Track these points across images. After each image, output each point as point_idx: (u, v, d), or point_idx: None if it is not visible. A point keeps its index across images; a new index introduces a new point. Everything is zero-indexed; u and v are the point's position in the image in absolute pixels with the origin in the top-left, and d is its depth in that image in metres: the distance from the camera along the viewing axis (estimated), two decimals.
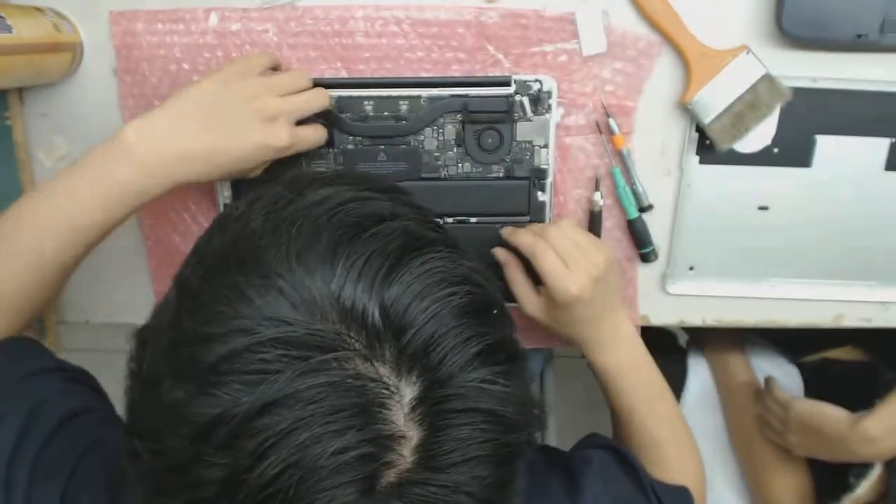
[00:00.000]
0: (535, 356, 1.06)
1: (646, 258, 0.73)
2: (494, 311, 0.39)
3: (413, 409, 0.34)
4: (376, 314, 0.35)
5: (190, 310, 0.36)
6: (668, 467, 0.68)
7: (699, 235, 0.74)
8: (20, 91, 0.70)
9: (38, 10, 0.64)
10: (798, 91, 0.67)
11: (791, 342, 0.99)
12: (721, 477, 0.97)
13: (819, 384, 0.94)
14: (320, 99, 0.63)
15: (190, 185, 0.59)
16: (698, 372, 1.00)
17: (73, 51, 0.67)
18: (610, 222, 0.73)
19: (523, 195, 0.70)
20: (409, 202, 0.44)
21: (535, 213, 0.71)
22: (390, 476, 0.34)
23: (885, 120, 0.69)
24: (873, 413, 0.76)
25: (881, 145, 0.70)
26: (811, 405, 0.82)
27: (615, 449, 0.65)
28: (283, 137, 0.59)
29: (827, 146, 0.70)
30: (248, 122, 0.58)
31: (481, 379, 0.36)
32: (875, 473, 0.80)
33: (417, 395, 0.35)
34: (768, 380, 0.89)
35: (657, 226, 0.73)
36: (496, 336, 0.38)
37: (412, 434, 0.34)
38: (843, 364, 0.96)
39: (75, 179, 0.57)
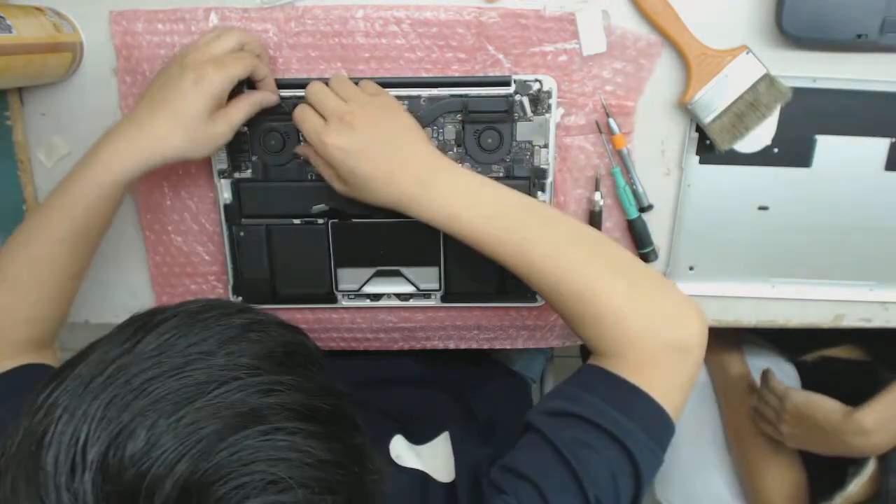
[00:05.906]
0: (536, 357, 1.06)
1: (646, 258, 0.73)
2: None
3: None
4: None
5: None
6: (623, 320, 0.53)
7: (699, 235, 0.74)
8: (20, 91, 0.70)
9: (38, 10, 0.64)
10: (798, 91, 0.67)
11: (788, 341, 0.99)
12: (717, 474, 0.97)
13: (817, 382, 0.94)
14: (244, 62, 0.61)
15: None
16: None
17: (73, 51, 0.67)
18: (610, 222, 0.73)
19: None
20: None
21: None
22: None
23: (885, 120, 0.69)
24: (867, 405, 0.76)
25: (881, 145, 0.70)
26: (806, 395, 0.82)
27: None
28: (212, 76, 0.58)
29: (827, 146, 0.70)
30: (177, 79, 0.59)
31: None
32: (868, 471, 0.80)
33: None
34: (765, 371, 0.90)
35: (657, 226, 0.73)
36: None
37: None
38: (842, 363, 0.96)
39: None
